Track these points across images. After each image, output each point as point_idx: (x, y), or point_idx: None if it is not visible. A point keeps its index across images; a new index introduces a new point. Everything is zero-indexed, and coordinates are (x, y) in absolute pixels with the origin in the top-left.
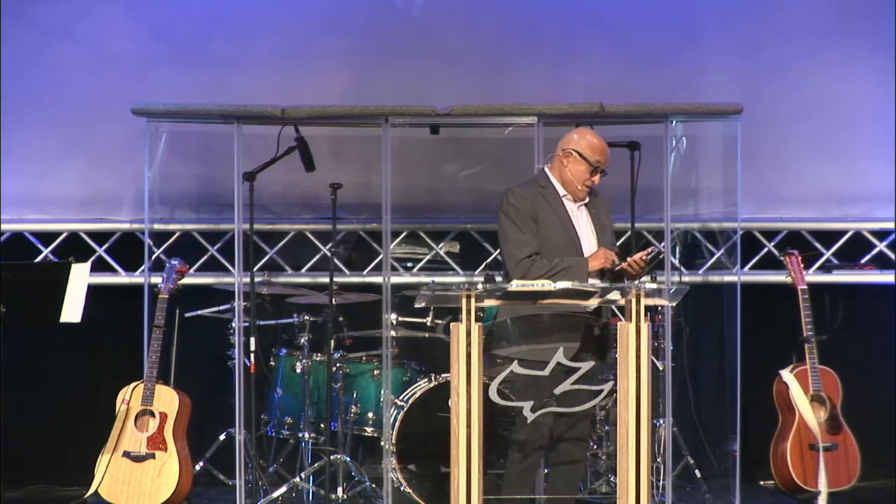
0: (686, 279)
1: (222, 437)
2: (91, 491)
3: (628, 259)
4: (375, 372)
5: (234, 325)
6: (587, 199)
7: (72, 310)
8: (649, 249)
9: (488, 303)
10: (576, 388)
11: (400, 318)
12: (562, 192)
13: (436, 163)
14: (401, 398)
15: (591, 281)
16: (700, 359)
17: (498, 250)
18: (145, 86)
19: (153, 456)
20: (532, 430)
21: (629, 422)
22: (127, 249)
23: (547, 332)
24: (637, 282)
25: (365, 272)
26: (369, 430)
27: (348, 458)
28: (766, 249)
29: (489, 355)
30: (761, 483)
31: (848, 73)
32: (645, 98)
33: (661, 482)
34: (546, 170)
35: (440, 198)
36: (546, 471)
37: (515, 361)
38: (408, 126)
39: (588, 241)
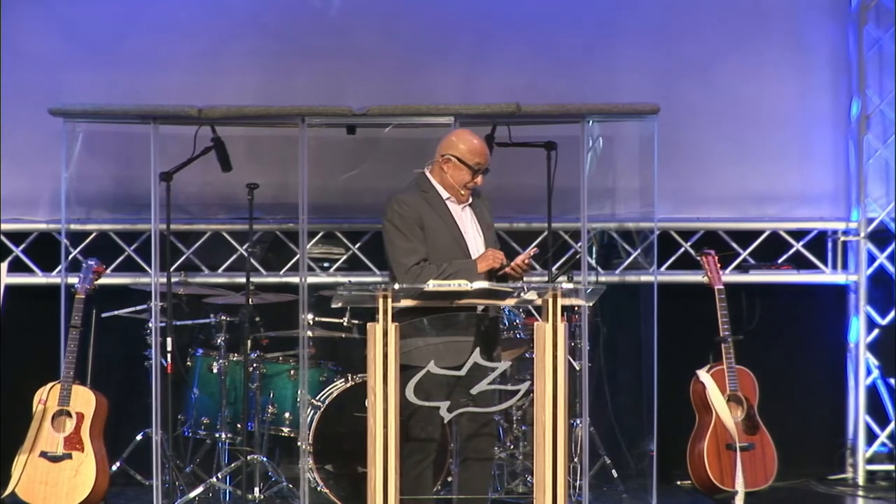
0: (603, 279)
1: (139, 437)
2: (8, 491)
3: (512, 264)
4: (292, 372)
5: (150, 325)
6: (470, 200)
7: None
8: (531, 251)
9: (405, 303)
10: (491, 387)
11: (317, 318)
12: (445, 195)
13: (352, 163)
14: (318, 398)
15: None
16: (617, 359)
17: None
18: (60, 86)
19: (70, 456)
20: (419, 433)
21: (546, 422)
22: (44, 250)
23: (438, 328)
24: (555, 281)
25: (282, 272)
26: (286, 430)
27: (265, 459)
28: (682, 249)
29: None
30: (678, 483)
31: (764, 74)
32: (561, 98)
33: (578, 482)
34: (427, 174)
35: (357, 198)
36: (455, 469)
37: (432, 361)
38: (325, 126)
39: (474, 242)
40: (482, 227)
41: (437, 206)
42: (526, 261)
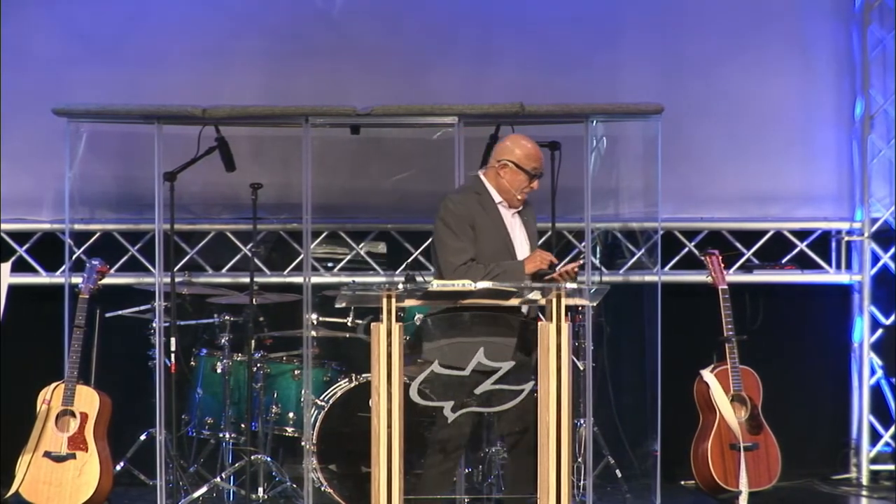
0: (607, 279)
1: (143, 437)
2: (12, 491)
3: (560, 270)
4: (296, 372)
5: (154, 325)
6: (521, 206)
7: None
8: (580, 261)
9: (409, 303)
10: (497, 388)
11: (320, 318)
12: (497, 198)
13: (356, 163)
14: (321, 398)
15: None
16: (621, 359)
17: (419, 250)
18: (64, 86)
19: (74, 456)
20: (451, 430)
21: (550, 422)
22: (47, 249)
23: (468, 329)
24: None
25: (285, 272)
26: (290, 430)
27: (269, 458)
28: (686, 249)
29: (411, 357)
30: (682, 483)
31: (767, 74)
32: (565, 98)
33: (582, 482)
34: (481, 176)
35: (360, 198)
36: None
37: (436, 361)
38: (328, 126)
39: (522, 248)
40: (529, 234)
41: (490, 209)
42: (575, 268)
